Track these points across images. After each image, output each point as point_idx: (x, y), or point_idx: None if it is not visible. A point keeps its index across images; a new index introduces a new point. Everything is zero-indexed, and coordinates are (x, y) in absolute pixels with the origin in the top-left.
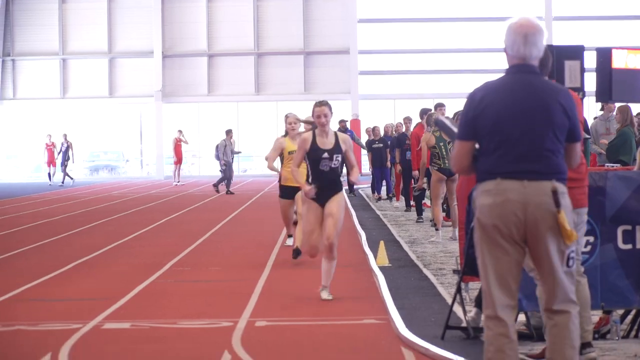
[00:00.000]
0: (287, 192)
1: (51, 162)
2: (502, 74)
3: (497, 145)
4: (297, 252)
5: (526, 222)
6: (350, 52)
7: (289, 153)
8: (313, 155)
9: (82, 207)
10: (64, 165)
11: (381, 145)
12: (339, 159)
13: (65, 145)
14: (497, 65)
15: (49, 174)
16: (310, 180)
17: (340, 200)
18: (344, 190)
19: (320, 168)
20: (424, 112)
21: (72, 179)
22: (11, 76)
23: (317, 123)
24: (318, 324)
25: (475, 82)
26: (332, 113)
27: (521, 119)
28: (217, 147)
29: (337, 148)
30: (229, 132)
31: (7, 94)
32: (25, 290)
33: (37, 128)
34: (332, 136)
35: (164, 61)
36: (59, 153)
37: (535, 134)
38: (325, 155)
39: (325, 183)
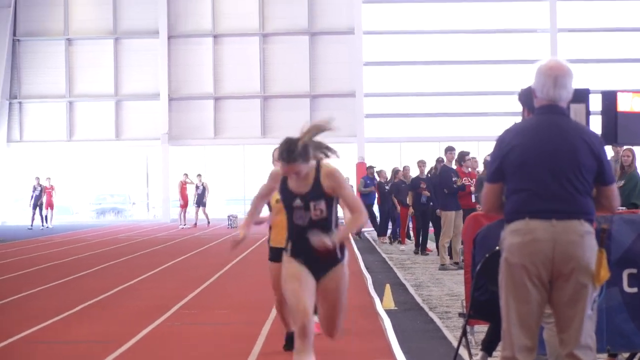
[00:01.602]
0: (279, 254)
1: (49, 204)
2: (506, 116)
3: (524, 185)
4: (289, 340)
5: (554, 261)
6: (356, 95)
7: (277, 202)
8: (284, 201)
9: (89, 250)
10: (36, 207)
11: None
12: (322, 207)
13: (39, 188)
14: (503, 109)
15: (45, 217)
16: (288, 240)
17: (340, 281)
18: (345, 261)
19: (294, 222)
20: (461, 156)
21: (44, 224)
22: (18, 119)
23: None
24: None
25: (482, 124)
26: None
27: (548, 160)
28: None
29: (315, 191)
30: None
31: (14, 136)
32: (33, 333)
33: (44, 170)
34: (310, 175)
35: (170, 104)
36: (32, 197)
37: (562, 174)
38: (298, 202)
39: (308, 246)
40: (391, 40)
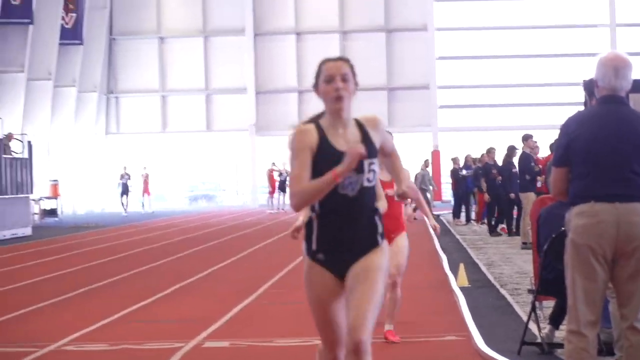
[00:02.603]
0: None
1: (145, 191)
2: (569, 106)
3: (589, 170)
4: None
5: (617, 240)
6: (430, 88)
7: None
8: (323, 163)
9: (182, 234)
10: (123, 195)
11: (465, 173)
12: (376, 168)
13: (127, 177)
14: (565, 99)
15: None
16: (315, 224)
17: (377, 263)
18: (384, 244)
19: (339, 193)
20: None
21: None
22: (115, 112)
23: (328, 98)
24: (404, 342)
25: (546, 114)
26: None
27: (610, 146)
28: (415, 177)
29: (368, 143)
30: (426, 162)
31: (111, 128)
32: (130, 313)
33: (139, 160)
34: (353, 126)
35: (257, 97)
36: (120, 185)
37: (624, 159)
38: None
39: (349, 224)
40: (462, 35)
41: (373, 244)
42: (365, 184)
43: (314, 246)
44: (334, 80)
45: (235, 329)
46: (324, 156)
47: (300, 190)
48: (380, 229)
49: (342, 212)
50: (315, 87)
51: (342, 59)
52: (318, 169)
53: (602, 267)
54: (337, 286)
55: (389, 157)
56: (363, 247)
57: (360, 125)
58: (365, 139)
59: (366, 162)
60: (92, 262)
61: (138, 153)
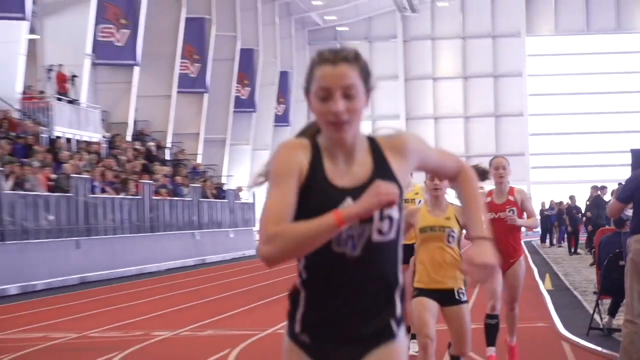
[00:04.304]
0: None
1: None
2: None
3: None
4: None
5: None
6: (525, 155)
7: (421, 231)
8: (309, 203)
9: None
10: None
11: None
12: (393, 213)
13: None
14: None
15: None
16: (302, 297)
17: None
18: (401, 335)
19: (334, 249)
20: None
21: None
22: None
23: (323, 121)
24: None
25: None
26: None
27: None
28: None
29: (382, 176)
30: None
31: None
32: None
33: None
34: (364, 150)
35: (407, 122)
36: None
37: None
38: (348, 202)
39: (347, 300)
40: (550, 119)
41: (384, 335)
42: (376, 238)
43: (297, 327)
44: (331, 96)
45: None
46: (312, 192)
47: (279, 234)
48: (398, 310)
49: (337, 281)
50: (306, 92)
51: (346, 59)
52: (301, 210)
53: None
54: None
55: (454, 181)
56: (367, 337)
57: (375, 149)
58: (380, 171)
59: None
60: None
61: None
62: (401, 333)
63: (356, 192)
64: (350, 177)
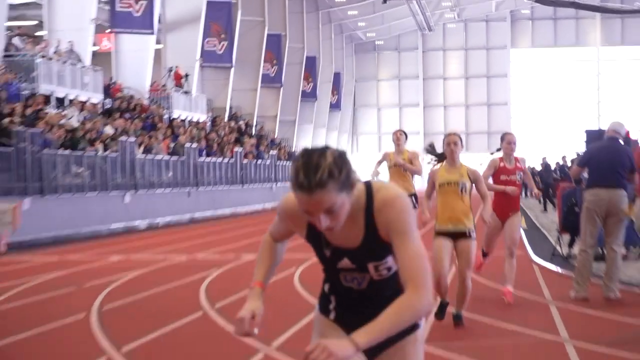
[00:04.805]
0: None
1: None
2: None
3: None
4: (441, 309)
5: (608, 207)
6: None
7: (441, 185)
8: (318, 255)
9: None
10: None
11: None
12: (390, 264)
13: None
14: None
15: None
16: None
17: (410, 356)
18: (421, 331)
19: (343, 284)
20: None
21: None
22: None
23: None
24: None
25: None
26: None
27: (608, 160)
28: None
29: (375, 247)
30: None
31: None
32: None
33: None
34: (359, 212)
35: (425, 137)
36: None
37: (614, 166)
38: (346, 263)
39: (365, 305)
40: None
41: (406, 329)
42: (377, 278)
43: (331, 315)
44: (313, 214)
45: None
46: (312, 242)
47: (262, 242)
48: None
49: (354, 296)
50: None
51: (320, 185)
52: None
53: (600, 220)
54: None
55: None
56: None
57: (369, 211)
58: (370, 236)
59: (371, 265)
60: None
61: None
62: (420, 325)
63: (353, 252)
64: (344, 235)
